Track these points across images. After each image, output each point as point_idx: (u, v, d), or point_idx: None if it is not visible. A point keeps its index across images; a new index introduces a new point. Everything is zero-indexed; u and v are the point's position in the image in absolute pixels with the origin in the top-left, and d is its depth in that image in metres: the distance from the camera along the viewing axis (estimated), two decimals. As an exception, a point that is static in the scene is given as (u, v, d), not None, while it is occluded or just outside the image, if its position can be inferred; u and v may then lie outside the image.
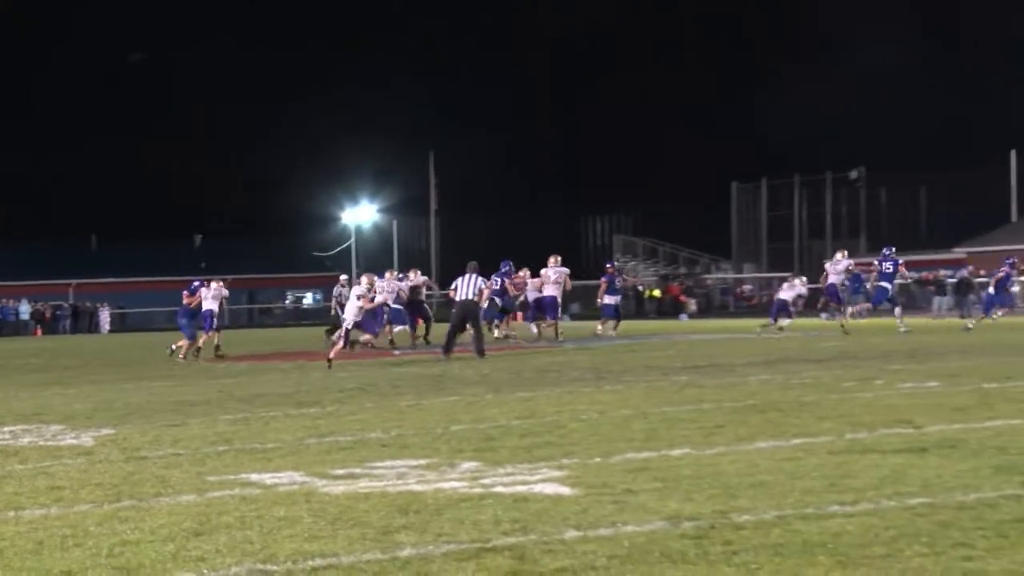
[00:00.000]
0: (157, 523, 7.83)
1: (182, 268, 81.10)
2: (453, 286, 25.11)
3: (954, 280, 43.06)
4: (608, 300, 34.13)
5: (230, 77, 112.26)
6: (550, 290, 30.64)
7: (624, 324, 35.39)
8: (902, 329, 29.44)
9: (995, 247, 50.37)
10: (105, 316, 68.51)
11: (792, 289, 34.78)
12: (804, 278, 37.50)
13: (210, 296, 29.65)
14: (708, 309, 55.27)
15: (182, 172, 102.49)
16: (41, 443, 12.50)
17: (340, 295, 32.23)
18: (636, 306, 55.47)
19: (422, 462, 10.07)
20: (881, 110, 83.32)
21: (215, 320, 30.14)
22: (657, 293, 58.45)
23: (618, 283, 35.29)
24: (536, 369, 20.58)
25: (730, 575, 6.11)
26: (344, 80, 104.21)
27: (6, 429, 13.86)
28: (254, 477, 9.59)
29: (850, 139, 72.93)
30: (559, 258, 31.46)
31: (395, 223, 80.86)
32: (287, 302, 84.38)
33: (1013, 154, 59.28)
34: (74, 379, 22.88)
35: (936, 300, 43.57)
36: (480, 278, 24.71)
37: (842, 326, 30.91)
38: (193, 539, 7.29)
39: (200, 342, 29.42)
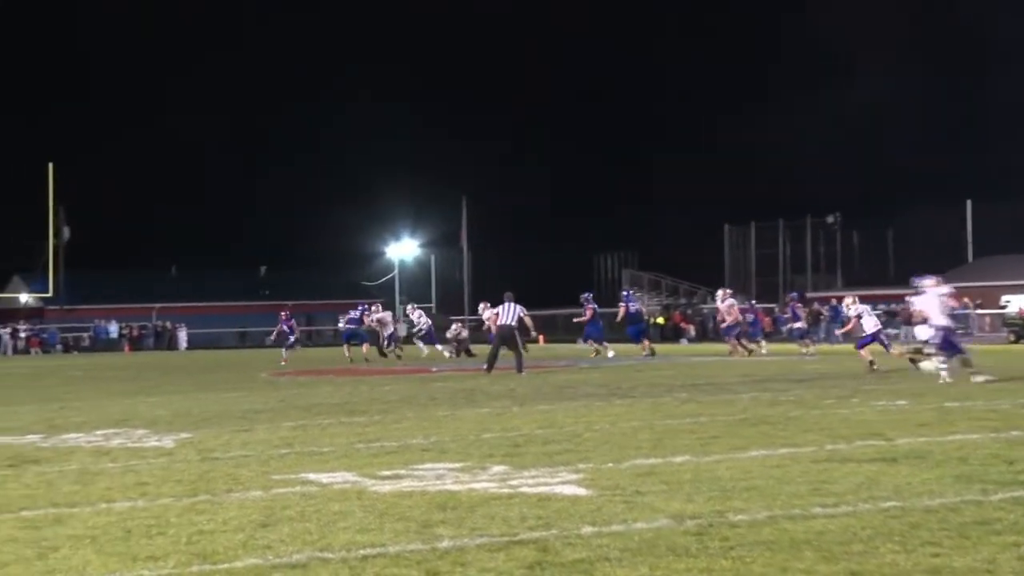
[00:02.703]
0: (229, 515, 7.82)
1: (248, 294, 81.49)
2: (495, 312, 25.23)
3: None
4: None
5: (290, 124, 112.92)
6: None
7: (630, 347, 35.29)
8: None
9: (954, 283, 50.19)
10: (183, 335, 68.77)
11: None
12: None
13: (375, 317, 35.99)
14: (704, 335, 54.95)
15: (249, 212, 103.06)
16: (129, 444, 12.52)
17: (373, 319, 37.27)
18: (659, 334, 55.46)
19: (458, 465, 10.04)
20: (855, 162, 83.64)
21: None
22: (661, 320, 58.35)
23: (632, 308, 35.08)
24: (555, 386, 20.52)
25: (727, 567, 6.06)
26: (388, 126, 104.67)
27: (99, 432, 13.89)
28: (312, 476, 9.58)
29: (827, 187, 72.96)
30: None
31: (433, 257, 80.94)
32: (340, 325, 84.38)
33: (969, 203, 59.17)
34: (157, 390, 22.93)
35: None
36: (518, 306, 24.80)
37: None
38: (260, 530, 7.28)
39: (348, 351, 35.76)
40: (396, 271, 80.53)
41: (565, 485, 8.73)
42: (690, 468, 9.47)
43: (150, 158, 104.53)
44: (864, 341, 22.78)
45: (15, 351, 62.51)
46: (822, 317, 44.75)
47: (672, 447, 10.91)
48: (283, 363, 33.40)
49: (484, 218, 77.44)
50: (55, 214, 64.15)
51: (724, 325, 33.61)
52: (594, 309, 33.66)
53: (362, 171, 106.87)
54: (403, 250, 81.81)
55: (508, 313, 24.56)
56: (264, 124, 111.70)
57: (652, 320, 57.06)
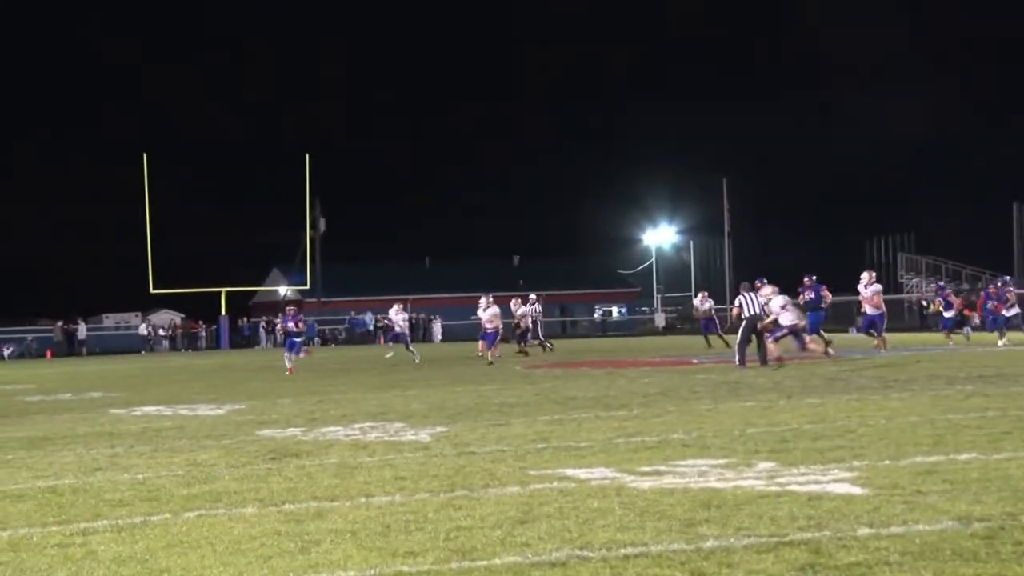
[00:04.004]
0: (486, 511, 7.97)
1: (502, 285, 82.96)
2: (737, 303, 24.75)
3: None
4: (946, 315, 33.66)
5: (543, 115, 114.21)
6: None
7: (906, 337, 34.18)
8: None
9: None
10: (438, 327, 70.42)
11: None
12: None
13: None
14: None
15: (498, 202, 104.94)
16: (386, 438, 12.91)
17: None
18: (920, 320, 53.43)
19: (721, 461, 9.94)
20: None
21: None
22: (941, 308, 56.18)
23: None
24: (824, 377, 20.05)
25: (1021, 574, 5.79)
26: (644, 114, 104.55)
27: (356, 426, 14.39)
28: (570, 472, 9.66)
29: None
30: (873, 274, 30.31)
31: (692, 243, 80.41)
32: (596, 315, 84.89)
33: None
34: (412, 383, 23.58)
35: None
36: (758, 296, 24.48)
37: None
38: (518, 526, 7.39)
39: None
40: (654, 258, 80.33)
41: (838, 483, 8.53)
42: (977, 466, 9.09)
43: (403, 150, 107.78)
44: None
45: (274, 344, 65.57)
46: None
47: (956, 444, 10.51)
48: (288, 372, 28.97)
49: (747, 203, 76.53)
50: (312, 207, 66.84)
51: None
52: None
53: (617, 157, 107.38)
54: (660, 237, 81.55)
55: (753, 303, 24.19)
56: (521, 113, 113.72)
57: (931, 308, 55.05)
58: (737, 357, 23.89)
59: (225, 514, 8.30)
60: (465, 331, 71.59)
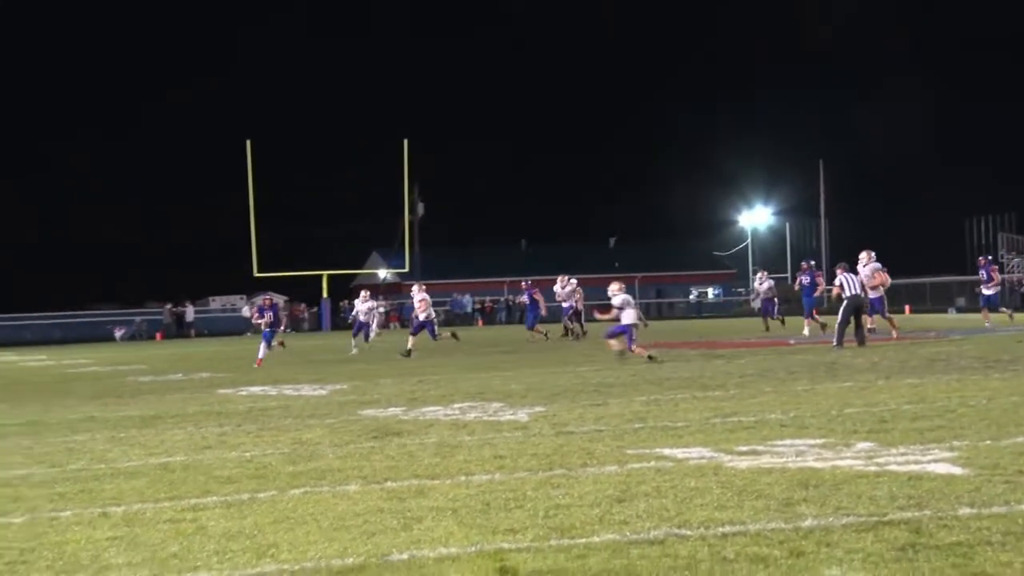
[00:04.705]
0: (584, 490, 7.97)
1: (598, 267, 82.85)
2: (838, 283, 24.37)
3: None
4: (986, 291, 32.65)
5: (639, 99, 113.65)
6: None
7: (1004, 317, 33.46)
8: None
9: None
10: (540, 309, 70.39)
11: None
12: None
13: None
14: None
15: (595, 184, 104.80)
16: (485, 418, 12.97)
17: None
18: (1021, 300, 52.30)
19: (819, 441, 9.83)
20: None
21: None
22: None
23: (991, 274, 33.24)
24: (923, 358, 19.72)
25: None
26: (743, 98, 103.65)
27: (455, 406, 14.48)
28: (667, 451, 9.62)
29: None
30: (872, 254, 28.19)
31: (787, 224, 79.54)
32: (691, 297, 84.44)
33: None
34: (510, 364, 23.65)
35: None
36: (857, 276, 24.22)
37: None
38: (616, 505, 7.38)
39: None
40: (749, 240, 79.62)
41: (938, 463, 8.40)
42: (1081, 447, 8.90)
43: (501, 136, 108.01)
44: None
45: (377, 326, 66.12)
46: None
47: (1059, 424, 10.28)
48: (256, 365, 26.28)
49: (843, 183, 75.51)
50: (410, 192, 67.24)
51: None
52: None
53: (709, 139, 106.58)
54: (756, 218, 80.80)
55: (854, 282, 23.85)
56: (617, 98, 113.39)
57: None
58: (836, 337, 23.58)
59: (329, 491, 8.40)
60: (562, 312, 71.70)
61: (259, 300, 28.99)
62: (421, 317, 29.04)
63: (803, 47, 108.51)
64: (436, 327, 29.73)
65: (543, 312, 36.48)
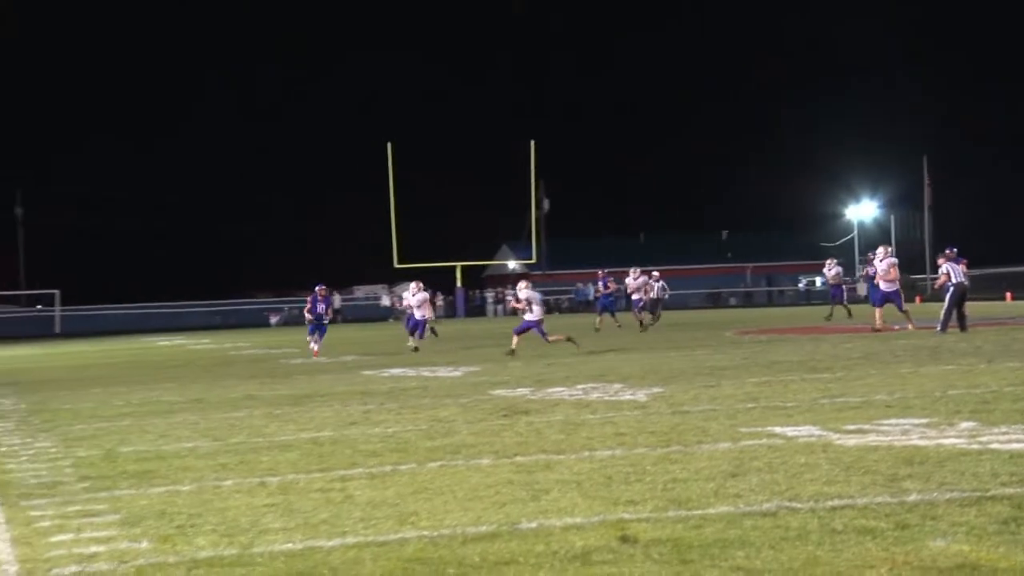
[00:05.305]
0: (699, 465, 7.92)
1: (711, 257, 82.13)
2: (944, 271, 23.73)
3: None
4: None
5: (749, 93, 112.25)
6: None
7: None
8: None
9: None
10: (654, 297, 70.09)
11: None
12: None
13: None
14: None
15: (709, 178, 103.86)
16: (606, 398, 12.95)
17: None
18: None
19: (923, 421, 9.61)
20: None
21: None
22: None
23: None
24: (1025, 342, 19.15)
25: None
26: (846, 92, 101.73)
27: (579, 387, 14.47)
28: (777, 430, 9.50)
29: None
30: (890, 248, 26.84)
31: (892, 217, 77.78)
32: (800, 285, 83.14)
33: None
34: (632, 347, 23.56)
35: None
36: (959, 264, 23.51)
37: None
38: (730, 479, 7.31)
39: None
40: (855, 232, 78.09)
41: (1039, 443, 8.15)
42: None
43: (622, 131, 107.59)
44: None
45: (505, 313, 66.63)
46: None
47: None
48: (314, 356, 24.88)
49: (947, 176, 73.60)
50: (537, 188, 67.41)
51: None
52: None
53: (821, 134, 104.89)
54: (862, 211, 79.22)
55: (958, 271, 23.22)
56: (724, 92, 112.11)
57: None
58: (940, 323, 23.02)
59: (464, 465, 8.47)
60: (678, 301, 71.25)
61: (412, 287, 27.28)
62: (419, 316, 26.44)
63: (906, 38, 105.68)
64: (427, 327, 27.62)
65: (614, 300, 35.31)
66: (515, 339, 22.02)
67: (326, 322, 25.96)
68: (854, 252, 75.61)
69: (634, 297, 33.96)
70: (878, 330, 24.44)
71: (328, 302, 25.95)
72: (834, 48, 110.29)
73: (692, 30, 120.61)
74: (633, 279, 34.15)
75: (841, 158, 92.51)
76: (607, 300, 34.41)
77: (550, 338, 22.03)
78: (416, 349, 25.38)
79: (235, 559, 5.82)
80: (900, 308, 25.29)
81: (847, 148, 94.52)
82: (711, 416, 10.70)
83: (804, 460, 7.86)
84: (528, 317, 22.02)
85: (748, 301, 74.13)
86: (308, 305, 26.02)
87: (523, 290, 22.46)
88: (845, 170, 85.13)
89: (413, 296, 26.67)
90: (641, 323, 32.59)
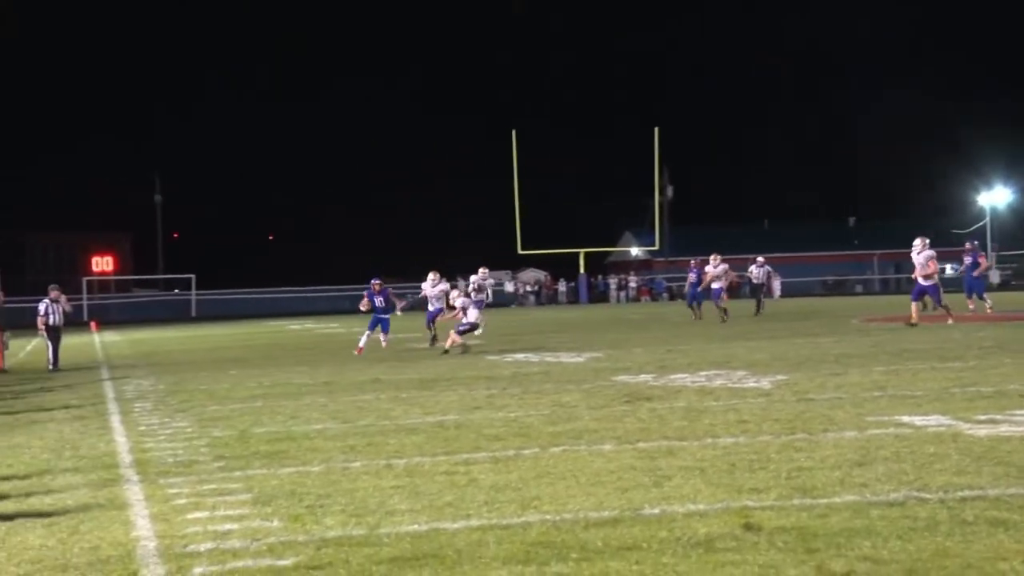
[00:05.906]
0: (825, 453, 7.79)
1: (838, 244, 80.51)
2: None
3: None
4: None
5: (873, 77, 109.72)
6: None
7: None
8: None
9: None
10: (777, 285, 69.13)
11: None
12: None
13: None
14: None
15: (834, 166, 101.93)
16: (729, 385, 12.81)
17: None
18: None
19: (1059, 412, 9.31)
20: None
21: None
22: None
23: None
24: None
25: None
26: (981, 75, 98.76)
27: (702, 373, 14.35)
28: (906, 419, 9.30)
29: None
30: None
31: (1026, 202, 75.37)
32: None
33: None
34: (756, 334, 23.26)
35: None
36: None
37: None
38: (856, 468, 7.18)
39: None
40: (987, 218, 75.84)
41: None
42: None
43: (743, 121, 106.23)
44: None
45: (628, 299, 66.43)
46: None
47: None
48: (384, 345, 23.81)
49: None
50: (660, 175, 66.94)
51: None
52: None
53: (951, 119, 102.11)
54: (995, 197, 76.92)
55: None
56: (849, 78, 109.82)
57: None
58: None
59: (586, 450, 8.47)
60: (802, 288, 70.13)
61: (431, 277, 25.40)
62: (437, 306, 25.06)
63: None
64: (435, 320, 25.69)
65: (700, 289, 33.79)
66: (457, 339, 21.10)
67: (389, 315, 24.92)
68: (986, 239, 73.47)
69: (714, 286, 31.57)
70: (914, 324, 23.19)
71: (385, 295, 24.80)
72: (962, 35, 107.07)
73: (829, 19, 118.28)
74: (713, 266, 32.12)
75: (974, 142, 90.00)
76: (694, 290, 33.12)
77: (453, 343, 21.04)
78: (435, 338, 24.55)
79: (362, 539, 5.92)
80: (939, 302, 23.94)
81: (980, 132, 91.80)
82: (837, 404, 10.51)
83: (933, 450, 7.68)
84: (468, 318, 21.30)
85: (874, 288, 72.60)
86: (365, 299, 25.23)
87: (458, 298, 21.95)
88: (978, 154, 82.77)
89: (433, 287, 25.31)
90: (724, 311, 30.57)
